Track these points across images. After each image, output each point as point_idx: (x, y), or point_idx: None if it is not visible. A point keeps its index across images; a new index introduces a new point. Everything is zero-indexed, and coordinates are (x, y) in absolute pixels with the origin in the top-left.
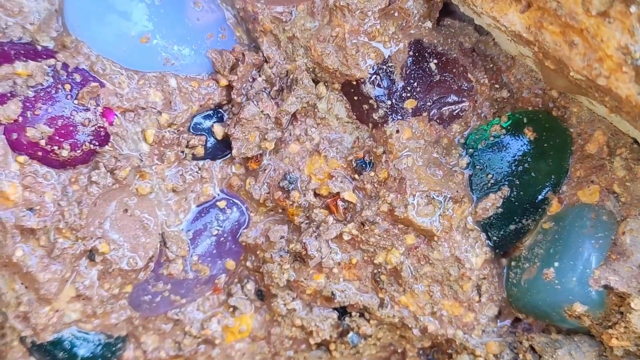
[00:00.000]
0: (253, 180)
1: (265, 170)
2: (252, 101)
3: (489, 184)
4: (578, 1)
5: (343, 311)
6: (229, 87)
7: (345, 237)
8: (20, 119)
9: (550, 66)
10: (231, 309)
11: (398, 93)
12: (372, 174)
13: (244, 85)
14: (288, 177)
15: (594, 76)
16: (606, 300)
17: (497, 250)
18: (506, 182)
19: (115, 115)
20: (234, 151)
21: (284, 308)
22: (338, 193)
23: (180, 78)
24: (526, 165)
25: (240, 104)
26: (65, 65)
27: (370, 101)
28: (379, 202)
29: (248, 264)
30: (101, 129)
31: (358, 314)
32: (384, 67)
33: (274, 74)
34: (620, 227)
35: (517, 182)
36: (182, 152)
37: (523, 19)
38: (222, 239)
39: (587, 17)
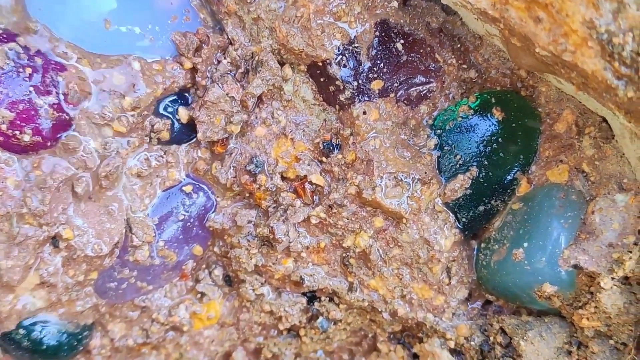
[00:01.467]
0: (219, 164)
1: (231, 154)
2: (217, 84)
3: (458, 165)
4: None
5: (312, 296)
6: (194, 70)
7: (313, 221)
8: None
9: (517, 44)
10: (199, 295)
11: (364, 74)
12: (340, 156)
13: (209, 67)
14: (255, 160)
15: (560, 52)
16: (576, 280)
17: (466, 232)
18: (474, 163)
19: (79, 98)
20: (199, 135)
21: (252, 293)
22: (305, 176)
23: (144, 61)
24: (494, 145)
25: (205, 87)
26: (26, 49)
27: (337, 82)
28: (346, 184)
29: (215, 249)
30: (64, 114)
31: (327, 299)
32: (350, 47)
33: (239, 56)
34: (589, 207)
35: (486, 163)
36: (147, 136)
37: None
38: (188, 224)
39: None
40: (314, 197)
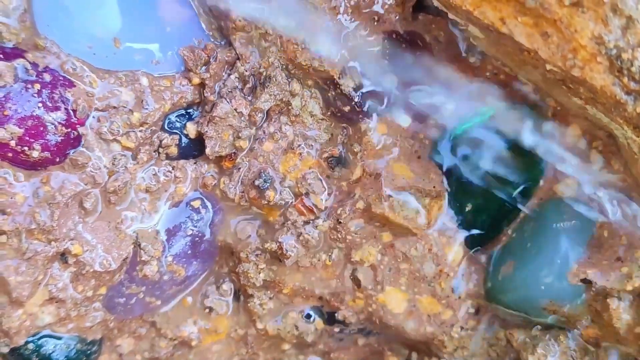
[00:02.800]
0: (227, 179)
1: (239, 168)
2: (225, 99)
3: (467, 180)
4: None
5: (320, 309)
6: (202, 85)
7: (322, 235)
8: None
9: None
10: (207, 310)
11: (372, 88)
12: (348, 170)
13: (217, 83)
14: (263, 175)
15: (569, 67)
16: (585, 294)
17: (474, 246)
18: (483, 177)
19: (87, 114)
20: (207, 150)
21: (260, 308)
22: (307, 193)
23: (152, 77)
24: (503, 159)
25: (213, 102)
26: (34, 65)
27: (345, 97)
28: (354, 199)
29: (224, 264)
30: (72, 129)
31: (335, 313)
32: (358, 62)
33: (246, 71)
34: (597, 221)
35: (494, 177)
36: (155, 151)
37: (496, 11)
38: (196, 239)
39: (561, 7)
40: (321, 212)
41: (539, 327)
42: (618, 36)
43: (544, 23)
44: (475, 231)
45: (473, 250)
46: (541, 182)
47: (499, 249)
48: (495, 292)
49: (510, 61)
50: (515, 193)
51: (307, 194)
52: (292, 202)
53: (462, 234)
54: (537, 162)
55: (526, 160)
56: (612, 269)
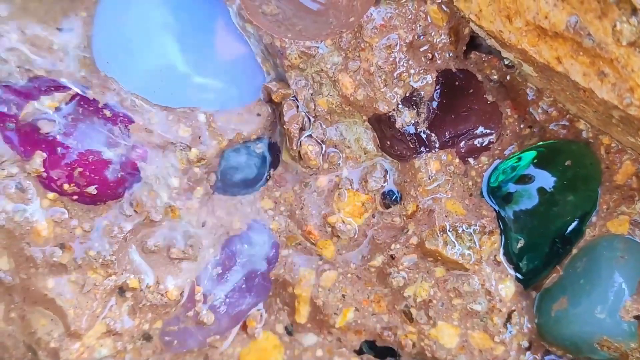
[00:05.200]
0: (280, 216)
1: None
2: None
3: (518, 216)
4: (608, 31)
5: (372, 344)
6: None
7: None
8: (51, 156)
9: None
10: (260, 344)
11: (425, 125)
12: (401, 206)
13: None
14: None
15: (625, 106)
16: (638, 331)
17: (527, 282)
18: (534, 214)
19: (145, 150)
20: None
21: (313, 343)
22: None
23: (209, 113)
24: (555, 196)
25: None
26: (95, 101)
27: (398, 134)
28: (407, 235)
29: (277, 299)
30: (131, 165)
31: (387, 348)
32: (412, 100)
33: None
34: None
35: (546, 214)
36: (212, 187)
37: (552, 51)
38: (252, 274)
39: (618, 47)
40: None
41: None
42: None
43: (600, 62)
44: (527, 267)
45: (526, 286)
46: (593, 218)
47: (551, 285)
48: (547, 328)
49: (563, 99)
50: (567, 229)
51: None
52: None
53: (514, 270)
54: (589, 198)
55: (578, 196)
56: None
